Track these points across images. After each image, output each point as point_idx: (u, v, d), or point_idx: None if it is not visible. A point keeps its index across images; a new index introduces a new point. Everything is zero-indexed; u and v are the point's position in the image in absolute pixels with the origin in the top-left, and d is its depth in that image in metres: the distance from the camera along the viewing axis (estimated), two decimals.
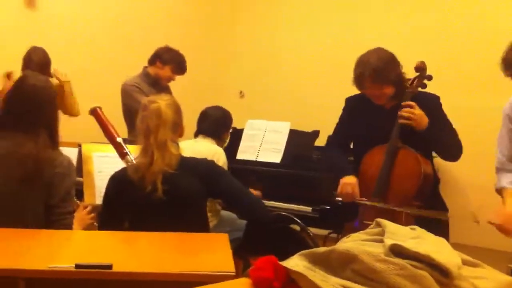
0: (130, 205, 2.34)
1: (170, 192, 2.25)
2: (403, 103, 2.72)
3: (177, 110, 2.40)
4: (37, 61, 3.87)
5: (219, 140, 3.45)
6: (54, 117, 2.35)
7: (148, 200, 2.25)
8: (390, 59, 2.77)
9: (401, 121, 2.71)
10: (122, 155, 2.57)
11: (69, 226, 2.29)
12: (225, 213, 3.34)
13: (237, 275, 1.64)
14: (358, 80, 2.78)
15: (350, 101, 3.06)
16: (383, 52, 2.79)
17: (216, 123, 3.44)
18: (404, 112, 2.70)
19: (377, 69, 2.70)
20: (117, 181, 2.38)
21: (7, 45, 3.85)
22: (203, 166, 2.41)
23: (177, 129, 2.40)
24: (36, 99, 2.28)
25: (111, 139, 2.68)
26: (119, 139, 2.65)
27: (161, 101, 2.35)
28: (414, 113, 2.68)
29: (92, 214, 2.56)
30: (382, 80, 2.73)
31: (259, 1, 5.51)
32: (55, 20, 4.71)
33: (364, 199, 2.76)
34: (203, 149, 3.16)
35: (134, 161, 2.44)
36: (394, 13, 4.59)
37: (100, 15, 4.95)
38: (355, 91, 2.93)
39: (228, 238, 2.07)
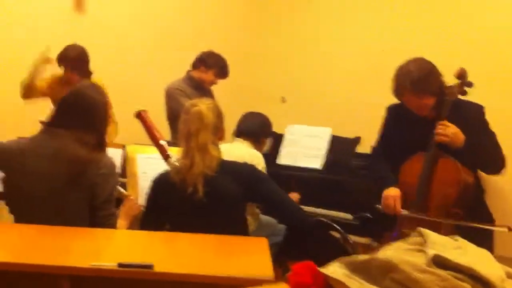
0: (171, 206, 2.38)
1: (210, 194, 2.28)
2: (438, 123, 2.66)
3: (218, 113, 2.42)
4: (72, 56, 3.87)
5: (257, 144, 3.46)
6: (104, 124, 2.45)
7: (188, 202, 2.29)
8: (430, 70, 2.71)
9: (436, 138, 2.66)
10: (165, 157, 2.61)
11: (112, 227, 2.34)
12: (264, 217, 3.34)
13: (276, 280, 1.65)
14: (398, 91, 2.76)
15: (391, 109, 3.03)
16: (423, 62, 2.73)
17: (255, 128, 3.45)
18: (438, 129, 2.64)
19: (416, 80, 2.65)
20: (159, 183, 2.43)
21: (56, 49, 3.94)
22: (244, 170, 2.43)
23: (218, 132, 2.43)
24: (90, 108, 2.37)
25: (154, 141, 2.73)
26: (162, 142, 2.69)
27: (203, 105, 2.38)
28: (447, 133, 2.63)
29: (139, 204, 2.59)
30: (422, 92, 2.68)
31: (303, 7, 5.51)
32: (103, 24, 4.82)
33: (404, 211, 2.72)
34: (241, 152, 3.17)
35: (176, 163, 2.47)
36: (437, 20, 4.52)
37: (146, 20, 5.05)
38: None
39: (268, 243, 2.07)
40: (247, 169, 2.45)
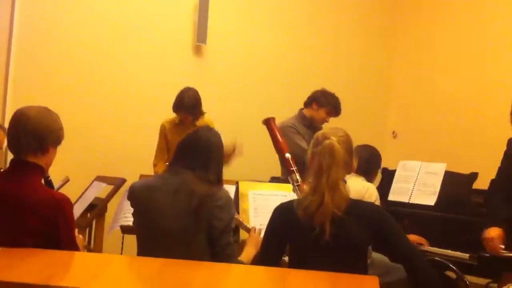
0: (293, 241, 2.33)
1: (337, 237, 2.20)
2: None
3: (349, 147, 2.33)
4: (187, 103, 4.08)
5: (369, 178, 3.45)
6: (220, 162, 2.56)
7: (313, 241, 2.22)
8: None
9: None
10: (289, 171, 2.62)
11: (231, 256, 2.41)
12: (376, 255, 3.29)
13: None
14: None
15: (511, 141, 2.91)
16: None
17: (366, 161, 3.43)
18: None
19: None
20: (284, 214, 2.35)
21: (175, 91, 4.19)
22: (372, 212, 2.31)
23: (348, 168, 2.34)
24: (208, 149, 2.51)
25: (280, 152, 2.74)
26: (287, 155, 2.71)
27: (335, 137, 2.27)
28: None
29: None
30: None
31: (415, 41, 5.45)
32: (220, 66, 5.08)
33: (506, 251, 2.57)
34: (355, 185, 3.15)
35: (300, 181, 2.44)
36: None
37: (258, 62, 5.24)
38: None
39: (379, 282, 2.04)
40: (376, 212, 2.33)
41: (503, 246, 2.61)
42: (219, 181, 2.52)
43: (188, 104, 4.08)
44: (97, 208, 3.70)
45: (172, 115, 4.23)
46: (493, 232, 2.69)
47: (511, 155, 2.90)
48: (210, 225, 2.39)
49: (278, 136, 3.04)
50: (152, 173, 4.08)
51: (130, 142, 4.72)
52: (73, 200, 2.69)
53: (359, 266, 2.27)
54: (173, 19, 4.98)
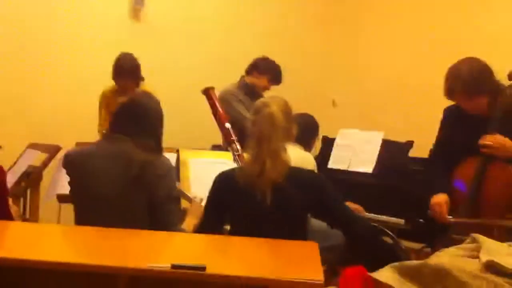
0: (235, 208, 2.34)
1: (277, 203, 2.22)
2: (484, 137, 2.63)
3: (289, 115, 2.33)
4: (127, 68, 3.99)
5: (307, 147, 3.47)
6: (159, 129, 2.51)
7: (254, 208, 2.25)
8: (481, 70, 2.68)
9: (482, 150, 2.63)
10: (229, 141, 2.61)
11: (172, 224, 2.39)
12: (315, 221, 3.34)
13: (326, 284, 1.66)
14: (449, 93, 2.74)
15: (448, 111, 2.99)
16: (474, 62, 2.71)
17: (303, 130, 3.44)
18: (484, 141, 2.62)
19: (467, 82, 2.64)
20: (224, 182, 2.36)
21: (112, 57, 4.07)
22: (312, 180, 2.36)
23: (288, 135, 2.35)
24: (145, 115, 2.45)
25: (220, 122, 2.73)
26: (227, 125, 2.69)
27: (274, 105, 2.28)
28: (493, 144, 2.60)
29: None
30: (473, 92, 2.66)
31: (359, 11, 5.47)
32: (157, 32, 4.95)
33: (451, 217, 2.69)
34: (292, 154, 3.18)
35: (240, 150, 2.43)
36: (490, 19, 4.43)
37: (199, 26, 5.14)
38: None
39: (319, 247, 2.08)
40: (316, 179, 2.38)
41: (450, 217, 2.72)
42: (158, 148, 2.46)
43: (128, 69, 3.98)
44: (32, 176, 3.59)
45: (109, 83, 4.11)
46: (439, 198, 2.76)
47: (447, 124, 2.98)
48: (151, 193, 2.34)
49: (218, 106, 3.02)
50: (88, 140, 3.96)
51: (65, 109, 4.56)
52: (6, 169, 2.60)
53: (298, 233, 2.31)
54: None
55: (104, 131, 3.96)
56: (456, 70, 2.70)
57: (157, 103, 2.56)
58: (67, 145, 3.12)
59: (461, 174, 2.76)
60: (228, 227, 2.46)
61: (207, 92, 3.00)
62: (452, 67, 2.74)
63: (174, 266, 1.76)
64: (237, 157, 2.83)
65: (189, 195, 2.76)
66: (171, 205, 2.40)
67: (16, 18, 4.44)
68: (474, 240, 1.54)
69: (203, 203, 2.57)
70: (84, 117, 4.23)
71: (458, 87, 2.66)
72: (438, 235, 2.78)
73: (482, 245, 1.44)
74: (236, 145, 2.63)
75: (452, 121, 2.94)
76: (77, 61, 4.67)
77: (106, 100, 4.16)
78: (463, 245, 1.56)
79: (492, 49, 3.98)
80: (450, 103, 2.91)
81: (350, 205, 3.05)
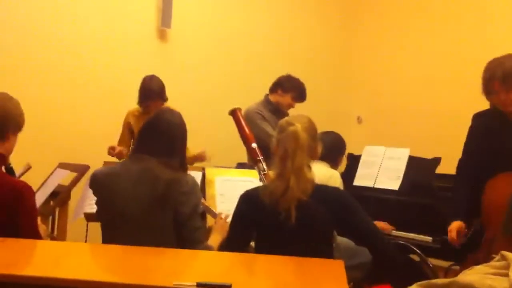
0: (259, 226, 2.34)
1: (302, 221, 2.22)
2: None
3: (313, 133, 2.35)
4: (157, 89, 4.02)
5: (333, 164, 3.47)
6: (183, 146, 2.53)
7: (279, 226, 2.24)
8: None
9: None
10: (255, 161, 2.62)
11: (199, 241, 2.40)
12: (341, 239, 3.32)
13: None
14: (487, 82, 2.67)
15: (477, 117, 2.95)
16: None
17: (330, 148, 3.44)
18: None
19: (509, 70, 2.59)
20: (250, 201, 2.36)
21: (140, 78, 4.12)
22: (337, 197, 2.35)
23: (312, 153, 2.36)
24: (170, 133, 2.47)
25: (246, 142, 2.74)
26: (254, 145, 2.71)
27: (298, 124, 2.30)
28: None
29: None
30: None
31: (379, 26, 5.49)
32: (184, 52, 5.02)
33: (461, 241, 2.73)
34: (318, 172, 3.18)
35: (266, 169, 2.44)
36: None
37: (223, 46, 5.20)
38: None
39: (344, 265, 2.06)
40: (341, 196, 2.37)
41: (458, 239, 2.75)
42: (182, 166, 2.47)
43: (157, 90, 4.01)
44: (60, 196, 3.63)
45: (134, 104, 4.16)
46: (453, 226, 2.79)
47: (476, 131, 2.91)
48: (176, 211, 2.36)
49: (244, 126, 3.04)
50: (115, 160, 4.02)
51: (93, 129, 4.63)
52: (35, 188, 2.65)
53: (324, 250, 2.30)
54: (136, 2, 4.89)
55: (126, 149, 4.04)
56: (498, 61, 2.65)
57: (180, 117, 2.56)
58: (96, 164, 3.17)
59: (497, 189, 2.66)
60: (253, 244, 2.46)
61: (234, 113, 3.02)
62: (493, 59, 2.69)
63: (199, 285, 1.76)
64: (263, 176, 2.84)
65: (214, 211, 2.78)
66: (196, 221, 2.41)
67: (47, 38, 4.53)
68: (504, 258, 1.51)
69: (229, 220, 2.57)
70: (112, 137, 4.28)
71: (498, 74, 2.60)
72: (470, 253, 2.72)
73: (511, 262, 1.41)
74: (262, 165, 2.65)
75: (481, 127, 2.88)
76: (105, 82, 4.75)
77: (129, 124, 4.20)
78: (492, 263, 1.53)
79: None
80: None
81: (378, 224, 3.03)
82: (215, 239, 2.55)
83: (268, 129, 3.87)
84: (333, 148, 3.48)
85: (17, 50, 4.41)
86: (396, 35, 5.33)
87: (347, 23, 5.57)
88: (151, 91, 4.01)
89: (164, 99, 4.08)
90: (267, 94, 4.25)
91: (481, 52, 4.39)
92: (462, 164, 3.01)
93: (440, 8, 5.02)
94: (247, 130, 3.00)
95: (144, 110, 4.09)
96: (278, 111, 4.13)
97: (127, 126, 4.19)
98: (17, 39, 4.41)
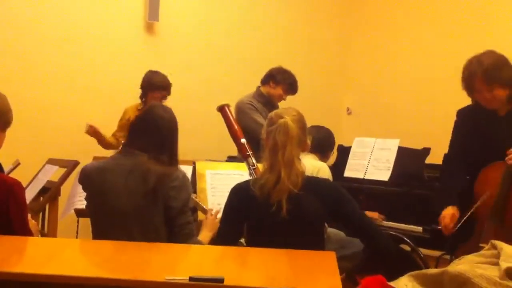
0: (251, 219, 2.34)
1: (293, 212, 2.22)
2: (507, 152, 2.58)
3: (302, 125, 2.35)
4: (164, 80, 4.05)
5: (323, 157, 3.48)
6: (175, 142, 2.52)
7: (270, 218, 2.24)
8: (503, 60, 2.65)
9: (509, 163, 2.58)
10: (245, 156, 2.61)
11: (189, 236, 2.40)
12: (332, 230, 3.34)
13: None
14: (468, 81, 2.68)
15: (461, 112, 2.95)
16: (496, 53, 2.67)
17: (320, 142, 3.45)
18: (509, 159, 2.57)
19: (488, 68, 2.59)
20: (241, 194, 2.37)
21: (128, 71, 4.10)
22: (329, 189, 2.35)
23: (302, 145, 2.36)
24: (161, 128, 2.46)
25: (235, 138, 2.73)
26: (243, 140, 2.71)
27: (288, 116, 2.30)
28: None
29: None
30: (493, 80, 2.61)
31: (370, 19, 5.49)
32: (172, 45, 4.99)
33: (455, 226, 2.69)
34: (307, 164, 3.17)
35: (256, 164, 2.44)
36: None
37: (213, 39, 5.18)
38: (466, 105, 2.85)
39: (336, 256, 2.07)
40: (332, 188, 2.38)
41: (452, 225, 2.72)
42: (173, 161, 2.46)
43: (164, 81, 4.03)
44: (50, 192, 3.62)
45: (127, 96, 4.13)
46: (447, 212, 2.77)
47: (461, 126, 2.94)
48: (166, 206, 2.36)
49: (233, 122, 3.03)
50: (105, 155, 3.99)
51: (82, 123, 4.60)
52: (24, 184, 2.63)
53: (316, 242, 2.31)
54: None
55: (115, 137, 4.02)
56: (476, 59, 2.66)
57: (171, 113, 2.56)
58: (85, 160, 3.15)
59: (486, 179, 2.70)
60: (243, 241, 2.46)
61: (222, 109, 3.01)
62: (473, 57, 2.69)
63: (191, 279, 1.76)
64: (252, 171, 2.84)
65: (204, 207, 2.77)
66: (187, 216, 2.42)
67: (30, 33, 4.48)
68: (494, 247, 1.52)
69: (219, 215, 2.58)
70: (100, 131, 4.25)
71: (479, 72, 2.60)
72: (461, 243, 2.74)
73: (502, 251, 1.42)
74: (251, 159, 2.65)
75: (466, 122, 2.90)
76: (93, 76, 4.72)
77: (133, 115, 4.16)
78: (483, 252, 1.54)
79: None
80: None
81: (368, 214, 3.04)
82: (205, 235, 2.55)
83: (260, 120, 3.87)
84: (323, 143, 3.48)
85: (4, 42, 4.38)
86: (387, 28, 5.34)
87: (339, 16, 5.57)
88: (154, 84, 4.02)
89: (169, 92, 4.08)
90: (259, 86, 4.25)
91: (471, 46, 4.42)
92: (449, 158, 3.02)
93: (432, 3, 5.02)
94: (235, 126, 2.99)
95: (145, 106, 4.07)
96: (269, 103, 4.12)
97: (128, 123, 4.17)
98: (4, 31, 4.37)
